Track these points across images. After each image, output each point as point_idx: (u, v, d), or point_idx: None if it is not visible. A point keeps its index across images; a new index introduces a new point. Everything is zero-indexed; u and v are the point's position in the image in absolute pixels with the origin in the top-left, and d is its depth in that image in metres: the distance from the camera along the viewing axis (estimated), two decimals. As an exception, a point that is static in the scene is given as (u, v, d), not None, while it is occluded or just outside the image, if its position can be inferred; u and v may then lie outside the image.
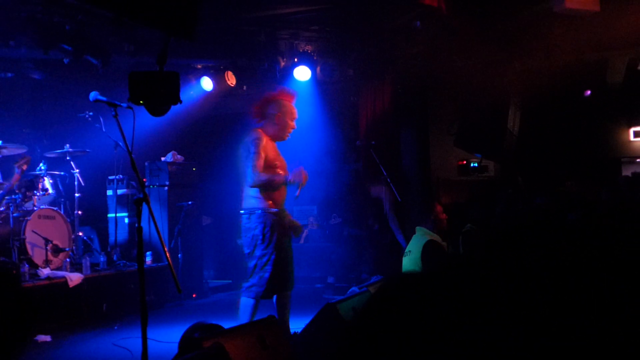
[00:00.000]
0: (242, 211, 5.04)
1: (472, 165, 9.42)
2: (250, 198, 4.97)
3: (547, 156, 8.95)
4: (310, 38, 8.22)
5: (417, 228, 5.88)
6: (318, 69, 8.59)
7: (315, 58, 8.51)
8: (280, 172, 5.01)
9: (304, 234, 10.36)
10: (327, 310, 4.38)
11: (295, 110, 5.25)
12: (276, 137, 5.16)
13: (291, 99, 5.24)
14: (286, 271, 5.07)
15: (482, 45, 7.58)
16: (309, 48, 8.40)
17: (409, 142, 9.53)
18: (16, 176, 5.99)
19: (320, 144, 9.97)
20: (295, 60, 8.46)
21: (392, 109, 9.10)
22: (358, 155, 9.65)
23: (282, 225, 5.00)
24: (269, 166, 4.96)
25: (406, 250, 5.85)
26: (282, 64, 8.49)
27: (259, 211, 4.92)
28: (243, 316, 4.93)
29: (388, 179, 7.95)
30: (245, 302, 5.00)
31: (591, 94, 8.64)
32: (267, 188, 4.94)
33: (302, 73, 8.44)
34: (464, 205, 7.21)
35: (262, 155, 4.91)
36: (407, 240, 6.18)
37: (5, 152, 7.02)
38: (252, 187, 4.92)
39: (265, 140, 4.99)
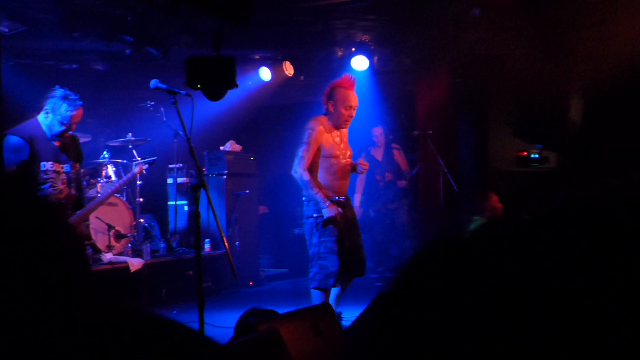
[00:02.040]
0: (303, 198, 5.05)
1: (532, 156, 9.22)
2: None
3: (611, 147, 8.71)
4: (366, 27, 8.18)
5: (474, 218, 5.86)
6: (375, 58, 8.56)
7: (372, 47, 8.47)
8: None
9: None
10: (380, 298, 4.38)
11: (352, 98, 5.15)
12: (335, 126, 5.10)
13: (348, 85, 5.17)
14: (348, 261, 5.02)
15: (542, 33, 7.41)
16: (365, 37, 8.37)
17: (467, 132, 9.40)
18: (131, 175, 5.97)
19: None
20: (353, 49, 8.44)
21: (450, 98, 8.99)
22: (415, 145, 9.58)
23: (342, 214, 4.94)
24: (325, 156, 4.97)
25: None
26: (339, 53, 8.50)
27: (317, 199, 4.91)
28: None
29: (445, 169, 7.88)
30: (314, 294, 5.01)
31: None
32: (326, 174, 4.96)
33: (360, 62, 8.42)
34: (521, 196, 7.07)
35: (314, 147, 4.91)
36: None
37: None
38: (293, 175, 4.94)
39: (321, 130, 4.97)
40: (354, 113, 5.16)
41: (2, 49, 7.11)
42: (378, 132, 8.78)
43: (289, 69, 8.82)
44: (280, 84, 9.29)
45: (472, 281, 0.69)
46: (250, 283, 8.51)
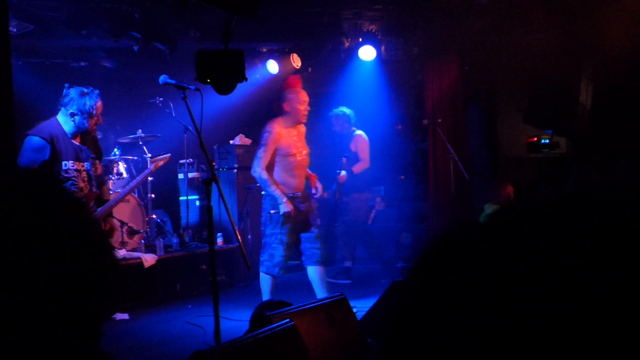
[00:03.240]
0: (262, 192, 5.56)
1: (542, 141, 9.19)
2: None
3: (622, 131, 8.65)
4: (373, 17, 8.15)
5: (486, 206, 5.83)
6: (382, 48, 8.53)
7: (379, 37, 8.44)
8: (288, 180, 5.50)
9: (372, 215, 10.36)
10: (394, 288, 4.39)
11: (303, 95, 5.60)
12: (293, 124, 5.55)
13: (296, 84, 5.75)
14: (295, 252, 5.62)
15: (550, 18, 7.35)
16: (373, 27, 8.34)
17: (476, 120, 9.37)
18: (149, 172, 5.95)
19: (386, 123, 9.92)
20: (360, 40, 8.41)
21: (459, 86, 8.95)
22: (425, 134, 9.56)
23: (296, 209, 5.46)
24: (283, 155, 5.44)
25: None
26: (347, 44, 8.48)
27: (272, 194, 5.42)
28: (263, 290, 5.58)
29: (455, 157, 7.87)
30: (262, 277, 5.62)
31: None
32: (282, 172, 5.44)
33: (367, 53, 8.39)
34: (532, 183, 7.05)
35: (271, 148, 5.38)
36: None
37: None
38: (253, 175, 5.46)
39: (278, 131, 5.44)
40: (308, 107, 5.61)
41: (12, 49, 7.15)
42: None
43: (296, 61, 8.81)
44: (288, 76, 9.28)
45: (486, 270, 0.69)
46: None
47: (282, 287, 7.99)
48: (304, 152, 5.59)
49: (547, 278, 0.65)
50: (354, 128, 7.89)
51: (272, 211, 5.41)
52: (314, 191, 5.72)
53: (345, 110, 7.90)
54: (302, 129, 5.67)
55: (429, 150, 9.13)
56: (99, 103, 4.74)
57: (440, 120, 8.50)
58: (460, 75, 8.95)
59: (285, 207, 5.31)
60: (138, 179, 5.82)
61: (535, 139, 9.18)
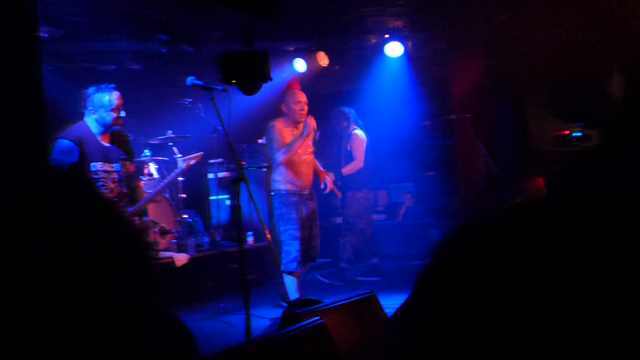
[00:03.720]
0: (271, 193, 5.82)
1: (573, 134, 9.06)
2: (273, 182, 5.76)
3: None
4: (398, 13, 8.10)
5: (515, 201, 5.78)
6: (409, 43, 8.49)
7: (405, 33, 8.41)
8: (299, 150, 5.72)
9: (402, 211, 10.33)
10: (420, 284, 4.37)
11: (300, 95, 5.91)
12: (292, 123, 5.82)
13: (293, 86, 6.10)
14: (309, 247, 5.81)
15: (578, 8, 7.25)
16: (398, 23, 8.30)
17: (505, 114, 9.27)
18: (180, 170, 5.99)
19: (413, 119, 9.88)
20: (386, 36, 8.39)
21: (486, 80, 8.87)
22: (452, 129, 9.49)
23: (305, 205, 5.73)
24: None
25: None
26: (373, 41, 8.46)
27: (282, 192, 5.68)
28: (289, 289, 5.71)
29: (484, 152, 7.81)
30: (285, 277, 5.74)
31: None
32: (288, 170, 5.67)
33: (394, 49, 8.36)
34: (559, 176, 6.95)
35: (281, 139, 5.63)
36: None
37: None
38: (282, 164, 5.65)
39: (280, 126, 5.73)
40: (305, 107, 5.88)
41: (43, 54, 7.27)
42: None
43: (323, 59, 8.81)
44: (315, 75, 9.29)
45: (501, 268, 0.68)
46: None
47: (311, 285, 8.02)
48: (309, 150, 5.86)
49: (560, 278, 0.64)
50: (354, 127, 7.84)
51: (282, 210, 5.68)
52: (322, 186, 6.03)
53: (345, 109, 7.91)
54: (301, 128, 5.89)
55: (457, 145, 9.07)
56: (115, 95, 4.80)
57: (468, 115, 8.44)
58: (487, 69, 8.87)
59: (305, 128, 5.63)
60: (169, 177, 5.88)
61: (566, 132, 9.06)
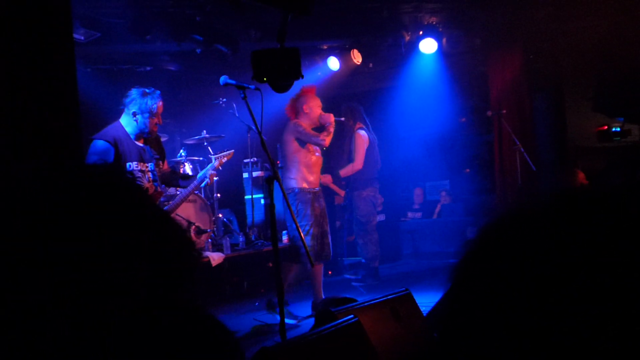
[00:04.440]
0: (289, 193, 5.90)
1: (613, 129, 8.89)
2: (288, 179, 5.92)
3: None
4: (434, 9, 8.04)
5: None
6: (444, 40, 8.41)
7: (440, 30, 8.33)
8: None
9: (437, 209, 10.26)
10: (455, 281, 4.32)
11: (319, 100, 6.14)
12: (311, 124, 6.04)
13: (314, 91, 6.11)
14: (322, 243, 5.99)
15: (616, 2, 7.10)
16: (433, 20, 8.24)
17: (543, 110, 9.14)
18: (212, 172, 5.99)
19: (449, 116, 9.80)
20: (420, 33, 8.32)
21: (523, 76, 8.74)
22: (489, 126, 9.39)
23: (317, 202, 5.96)
24: (307, 151, 5.95)
25: None
26: (407, 38, 8.40)
27: (296, 190, 5.86)
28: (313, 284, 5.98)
29: (521, 149, 7.71)
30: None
31: None
32: (303, 169, 5.92)
33: (428, 46, 8.29)
34: (602, 172, 6.81)
35: (311, 131, 5.92)
36: None
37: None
38: (324, 148, 6.00)
39: (305, 124, 5.98)
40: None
41: (80, 56, 7.38)
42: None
43: (357, 57, 8.78)
44: (349, 73, 9.27)
45: (546, 260, 0.66)
46: (329, 273, 8.56)
47: (347, 284, 8.01)
48: (319, 151, 6.14)
49: (600, 276, 0.62)
50: (359, 125, 7.67)
51: (297, 205, 5.87)
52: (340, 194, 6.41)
53: (353, 105, 7.81)
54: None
55: (494, 142, 8.96)
56: (160, 103, 4.85)
57: (505, 111, 8.33)
58: (524, 64, 8.74)
59: (326, 119, 5.97)
60: (199, 179, 5.86)
61: (606, 127, 8.90)
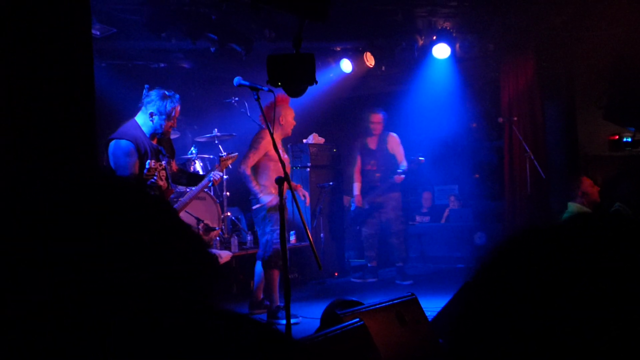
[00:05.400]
0: (250, 197, 6.17)
1: (624, 139, 8.86)
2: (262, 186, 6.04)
3: None
4: (448, 14, 8.05)
5: (569, 204, 5.75)
6: (457, 45, 8.41)
7: (454, 35, 8.33)
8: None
9: (446, 213, 10.25)
10: (465, 288, 4.33)
11: (292, 110, 6.29)
12: (283, 135, 6.20)
13: (288, 101, 6.16)
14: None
15: (631, 11, 7.08)
16: (447, 24, 8.24)
17: (554, 118, 9.12)
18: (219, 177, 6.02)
19: (460, 121, 9.79)
20: (434, 37, 8.32)
21: (536, 83, 8.72)
22: (500, 132, 9.38)
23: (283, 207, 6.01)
24: (275, 160, 5.81)
25: None
26: (420, 42, 8.40)
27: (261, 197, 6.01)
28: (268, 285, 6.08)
29: (531, 156, 7.70)
30: (270, 274, 6.03)
31: None
32: (271, 178, 5.89)
33: (441, 51, 8.28)
34: (613, 182, 6.79)
35: (261, 152, 6.03)
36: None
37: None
38: (238, 170, 6.08)
39: (269, 139, 5.81)
40: (294, 123, 6.33)
41: (95, 51, 7.43)
42: (376, 119, 8.24)
43: (369, 60, 8.79)
44: (362, 75, 9.28)
45: (560, 276, 0.67)
46: (336, 274, 8.58)
47: (353, 286, 8.03)
48: (288, 160, 6.35)
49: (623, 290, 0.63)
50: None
51: (256, 206, 6.08)
52: (302, 198, 6.42)
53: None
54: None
55: (505, 148, 8.95)
56: (178, 107, 4.89)
57: (516, 118, 8.32)
58: (537, 71, 8.73)
59: (264, 197, 5.98)
60: (203, 182, 5.75)
61: (617, 136, 8.87)
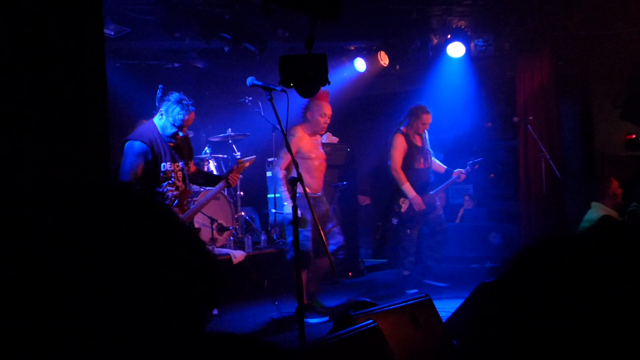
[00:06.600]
0: (277, 195, 6.11)
1: (640, 139, 8.77)
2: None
3: None
4: (463, 13, 8.00)
5: (593, 204, 5.73)
6: (472, 44, 8.36)
7: (469, 33, 8.28)
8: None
9: (460, 213, 10.20)
10: (482, 289, 4.30)
11: (326, 108, 6.04)
12: (313, 132, 6.06)
13: (322, 97, 5.98)
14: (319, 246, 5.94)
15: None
16: (462, 23, 8.19)
17: (570, 117, 9.05)
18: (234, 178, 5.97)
19: (475, 121, 9.74)
20: (448, 36, 8.28)
21: (551, 82, 8.66)
22: (515, 131, 9.32)
23: (318, 207, 5.89)
24: (304, 158, 5.87)
25: (580, 226, 5.70)
26: (435, 41, 8.36)
27: (298, 195, 5.79)
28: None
29: (547, 156, 7.64)
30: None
31: None
32: (302, 174, 5.73)
33: (456, 49, 8.24)
34: (629, 182, 6.72)
35: (293, 150, 5.65)
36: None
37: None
38: (272, 172, 6.12)
39: (300, 136, 5.90)
40: (328, 120, 6.11)
41: (110, 51, 7.47)
42: (429, 120, 7.70)
43: (384, 59, 8.77)
44: (376, 75, 9.26)
45: (580, 284, 0.66)
46: (350, 274, 8.55)
47: (367, 287, 8.01)
48: (322, 157, 6.18)
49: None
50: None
51: (277, 211, 6.11)
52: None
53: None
54: (319, 137, 6.27)
55: (520, 148, 8.89)
56: (188, 116, 4.90)
57: (531, 117, 8.26)
58: (553, 70, 8.66)
59: (289, 206, 5.68)
60: (221, 184, 5.74)
61: (634, 135, 8.78)
